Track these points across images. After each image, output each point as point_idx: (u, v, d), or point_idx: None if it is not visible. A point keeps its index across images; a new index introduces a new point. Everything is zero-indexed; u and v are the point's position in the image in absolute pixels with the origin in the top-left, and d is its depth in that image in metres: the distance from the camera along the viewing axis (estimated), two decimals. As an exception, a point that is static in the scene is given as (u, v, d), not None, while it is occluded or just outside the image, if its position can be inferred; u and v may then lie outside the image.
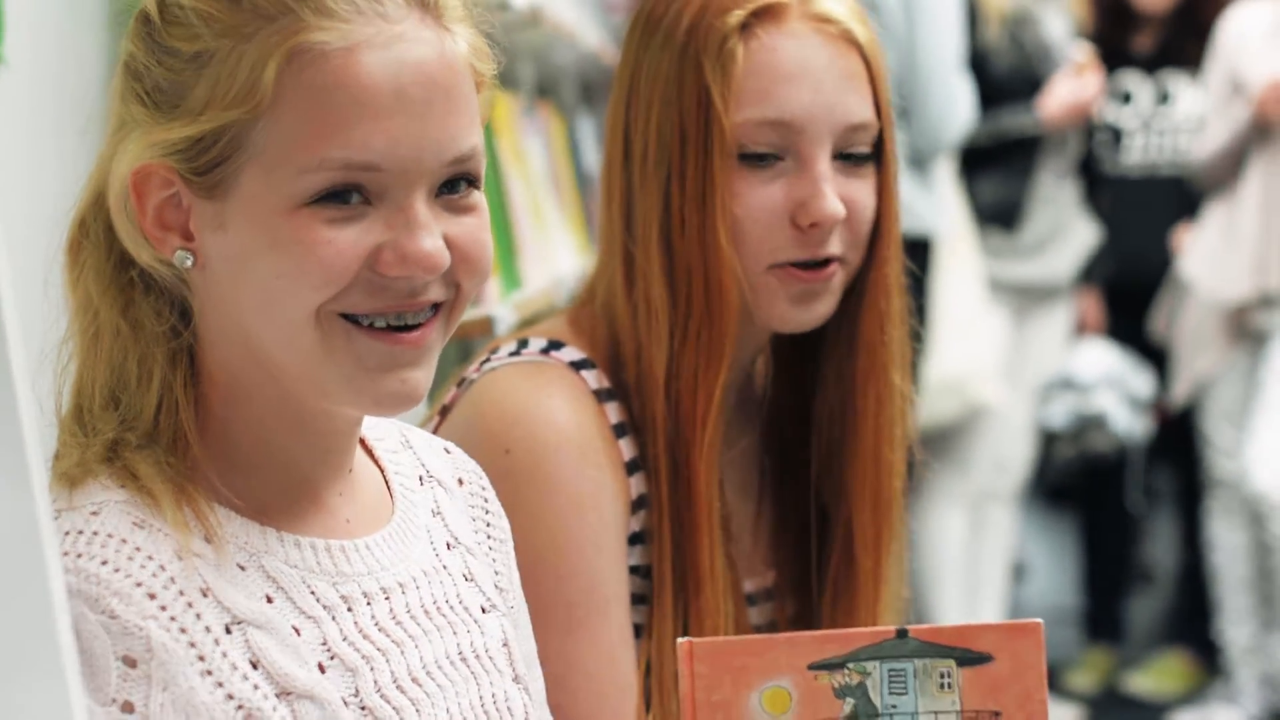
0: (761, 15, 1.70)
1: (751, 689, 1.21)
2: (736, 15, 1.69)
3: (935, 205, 4.33)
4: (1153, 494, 6.13)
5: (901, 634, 1.23)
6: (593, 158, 4.09)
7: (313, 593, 1.28)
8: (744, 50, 1.69)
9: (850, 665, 1.22)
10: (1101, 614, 5.62)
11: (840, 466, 1.80)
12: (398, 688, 1.31)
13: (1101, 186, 5.26)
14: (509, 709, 1.41)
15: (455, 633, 1.38)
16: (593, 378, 1.71)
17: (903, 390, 1.78)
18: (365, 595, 1.32)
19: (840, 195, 1.70)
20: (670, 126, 1.69)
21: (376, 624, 1.31)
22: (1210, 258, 5.02)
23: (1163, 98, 5.48)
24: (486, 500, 1.51)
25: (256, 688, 1.22)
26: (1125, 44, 5.50)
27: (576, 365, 1.72)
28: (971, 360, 4.81)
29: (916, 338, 1.82)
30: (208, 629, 1.21)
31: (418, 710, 1.31)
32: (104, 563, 1.19)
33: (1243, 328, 5.01)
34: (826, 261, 1.71)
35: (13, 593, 1.05)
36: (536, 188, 3.31)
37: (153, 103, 1.25)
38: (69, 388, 1.30)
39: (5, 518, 1.05)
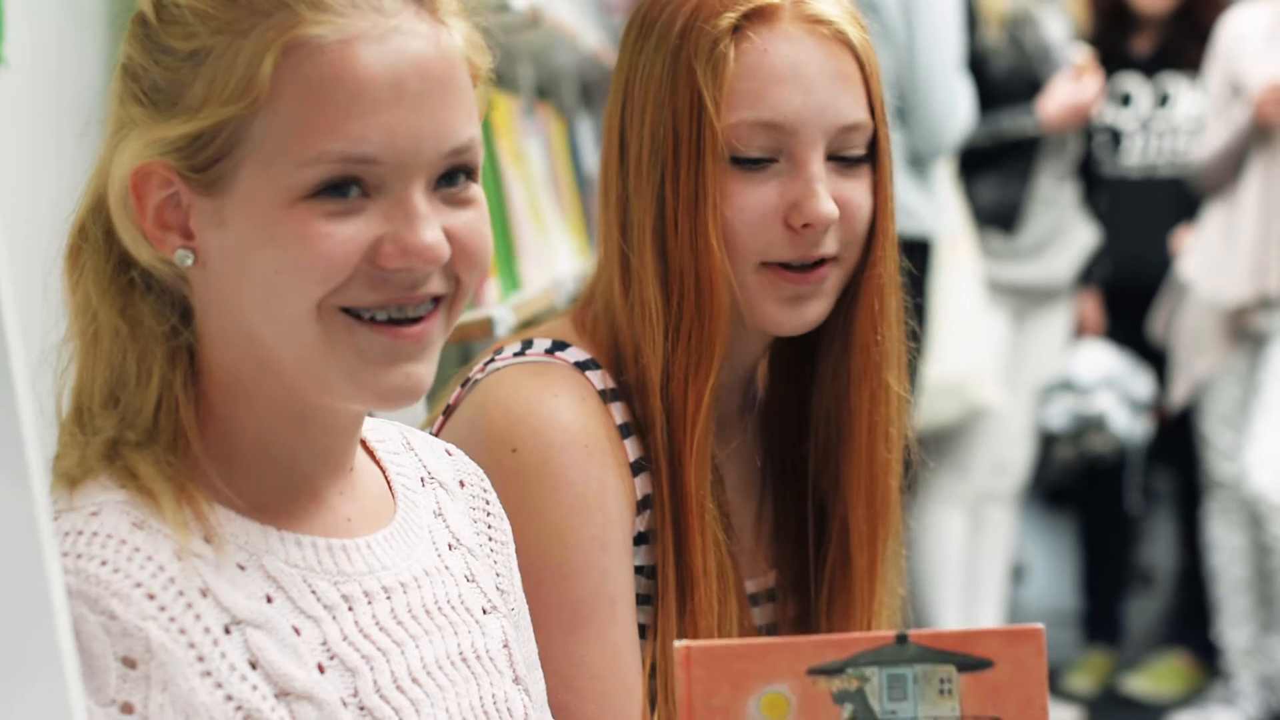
0: (753, 17, 1.69)
1: (750, 694, 1.21)
2: (728, 17, 1.69)
3: (935, 207, 4.33)
4: (1152, 495, 6.13)
5: (901, 639, 1.23)
6: (592, 159, 4.09)
7: (313, 592, 1.28)
8: (736, 52, 1.68)
9: (849, 670, 1.22)
10: (1100, 615, 5.62)
11: (836, 465, 1.80)
12: (397, 688, 1.31)
13: (1101, 188, 5.26)
14: (509, 710, 1.41)
15: (456, 633, 1.38)
16: (598, 378, 1.72)
17: (898, 390, 1.78)
18: (366, 594, 1.32)
19: (834, 195, 1.70)
20: (663, 129, 1.69)
21: (377, 623, 1.32)
22: (1209, 260, 5.02)
23: (1162, 100, 5.48)
24: (488, 502, 1.51)
25: (255, 688, 1.22)
26: (1124, 46, 5.50)
27: (581, 365, 1.72)
28: (971, 362, 4.81)
29: (914, 338, 1.82)
30: (207, 629, 1.21)
31: (417, 711, 1.32)
32: (103, 563, 1.19)
33: (1242, 330, 5.01)
34: (819, 264, 1.71)
35: (12, 593, 1.05)
36: (536, 189, 3.30)
37: (150, 102, 1.26)
38: (68, 390, 1.30)
39: (5, 518, 1.05)
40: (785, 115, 1.68)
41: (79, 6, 1.84)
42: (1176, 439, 5.47)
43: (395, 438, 1.47)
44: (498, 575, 1.47)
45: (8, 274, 1.07)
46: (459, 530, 1.45)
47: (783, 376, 1.86)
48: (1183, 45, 5.42)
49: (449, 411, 1.74)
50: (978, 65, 4.79)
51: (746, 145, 1.69)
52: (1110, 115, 5.42)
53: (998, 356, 4.98)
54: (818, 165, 1.69)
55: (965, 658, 1.24)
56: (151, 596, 1.19)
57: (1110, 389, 5.27)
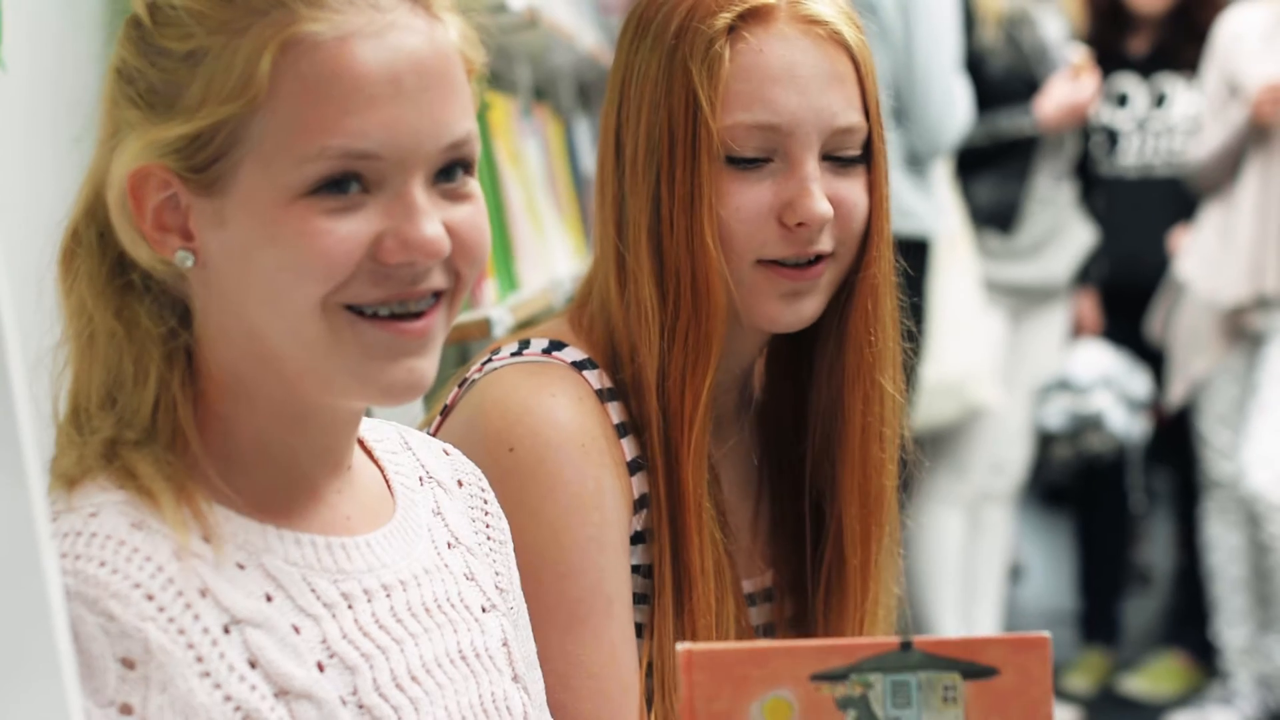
0: (749, 17, 1.69)
1: (752, 699, 1.21)
2: (724, 18, 1.69)
3: (933, 207, 4.33)
4: (1149, 495, 6.13)
5: (906, 645, 1.22)
6: (590, 160, 4.08)
7: (313, 590, 1.28)
8: (731, 53, 1.69)
9: (853, 676, 1.21)
10: (1098, 615, 5.62)
11: (831, 465, 1.80)
12: (396, 686, 1.31)
13: (1098, 188, 5.25)
14: (508, 708, 1.41)
15: (455, 631, 1.39)
16: (594, 378, 1.72)
17: (892, 391, 1.78)
18: (366, 592, 1.32)
19: (829, 194, 1.70)
20: (659, 129, 1.69)
21: (377, 621, 1.32)
22: (1207, 260, 5.01)
23: (1158, 100, 5.48)
24: (486, 502, 1.51)
25: (254, 688, 1.22)
26: (1120, 46, 5.50)
27: (578, 365, 1.72)
28: (968, 362, 4.81)
29: (910, 338, 1.82)
30: (206, 630, 1.22)
31: (416, 709, 1.32)
32: (102, 564, 1.19)
33: (1239, 329, 5.01)
34: (814, 260, 1.71)
35: (10, 594, 1.05)
36: (533, 190, 3.30)
37: (147, 104, 1.26)
38: (64, 392, 1.30)
39: (2, 519, 1.05)
40: (781, 116, 1.68)
41: (76, 9, 1.84)
42: (1174, 439, 5.47)
43: (393, 437, 1.47)
44: (496, 574, 1.48)
45: (5, 277, 1.06)
46: (458, 529, 1.46)
47: (779, 376, 1.86)
48: (1179, 45, 5.42)
49: (446, 412, 1.74)
50: (975, 65, 4.79)
51: (742, 146, 1.69)
52: (1106, 115, 5.42)
53: (995, 356, 4.98)
54: (812, 165, 1.69)
55: (970, 665, 1.23)
56: (150, 597, 1.20)
57: (1108, 388, 5.27)
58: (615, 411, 1.72)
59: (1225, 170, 4.98)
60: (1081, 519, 5.77)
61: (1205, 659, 5.31)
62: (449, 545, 1.44)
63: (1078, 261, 5.12)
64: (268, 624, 1.25)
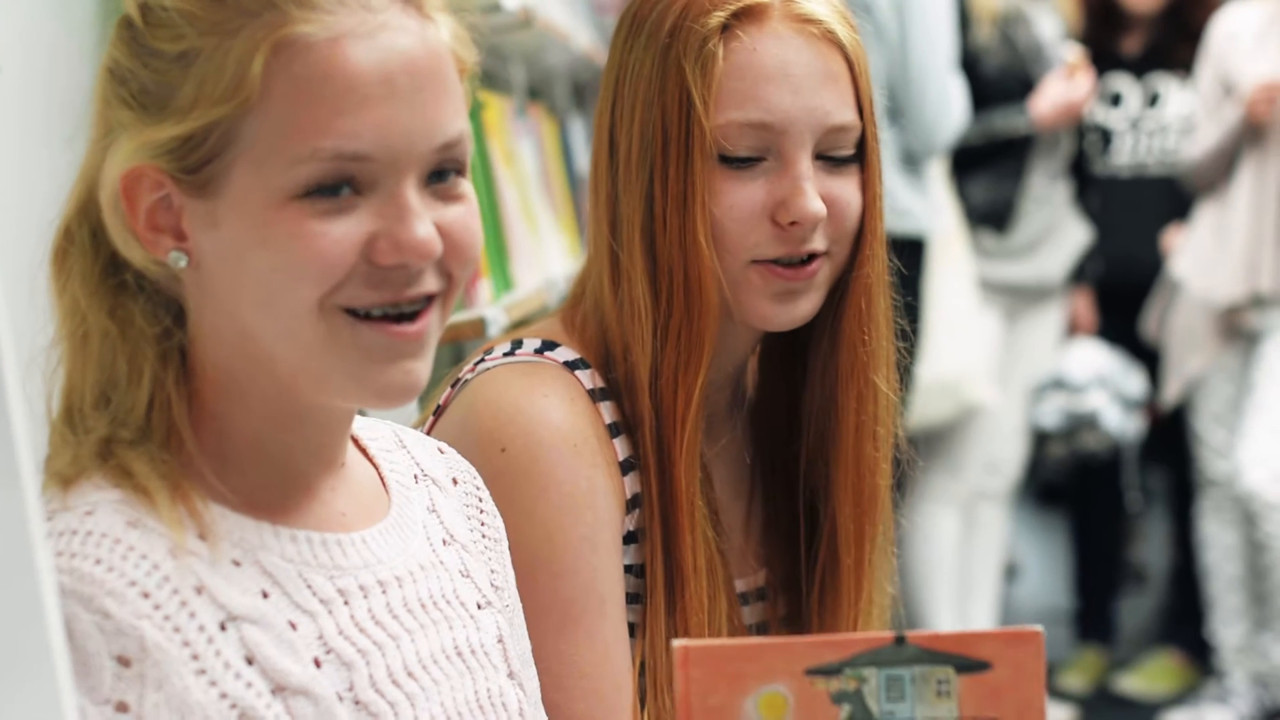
0: (742, 16, 1.69)
1: (748, 694, 1.21)
2: (717, 16, 1.69)
3: (929, 206, 4.33)
4: (1144, 494, 6.13)
5: (899, 640, 1.22)
6: (585, 159, 4.09)
7: (309, 586, 1.29)
8: (725, 51, 1.69)
9: (847, 671, 1.22)
10: (1093, 614, 5.62)
11: (825, 464, 1.80)
12: (393, 682, 1.31)
13: (1092, 187, 5.26)
14: (503, 705, 1.41)
15: (451, 628, 1.39)
16: (587, 377, 1.72)
17: (886, 390, 1.78)
18: (362, 589, 1.32)
19: (822, 193, 1.70)
20: (652, 128, 1.69)
21: (373, 618, 1.32)
22: (1201, 259, 5.02)
23: (1151, 99, 5.49)
24: (481, 499, 1.51)
25: (250, 685, 1.23)
26: (1114, 46, 5.50)
27: (571, 365, 1.72)
28: (964, 361, 4.81)
29: (904, 337, 1.82)
30: (201, 627, 1.22)
31: (412, 705, 1.32)
32: (98, 562, 1.20)
33: (1234, 328, 5.01)
34: (809, 259, 1.71)
35: (4, 593, 1.05)
36: (528, 189, 3.30)
37: (139, 105, 1.26)
38: (58, 391, 1.30)
39: (-2, 518, 1.05)
40: (774, 115, 1.68)
41: (70, 9, 1.84)
42: (1169, 437, 5.48)
43: (388, 435, 1.47)
44: (492, 571, 1.48)
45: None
46: (453, 526, 1.46)
47: (773, 375, 1.86)
48: (1172, 45, 5.43)
49: (439, 412, 1.74)
50: (970, 64, 4.79)
51: (735, 145, 1.69)
52: (1100, 115, 5.42)
53: (990, 355, 4.99)
54: (805, 164, 1.69)
55: (963, 659, 1.23)
56: (146, 595, 1.20)
57: (1102, 387, 5.27)
58: (607, 411, 1.72)
59: (1220, 169, 4.98)
60: (1077, 518, 5.77)
61: (1200, 657, 5.32)
62: (444, 542, 1.44)
63: (1073, 260, 5.12)
64: (264, 620, 1.25)
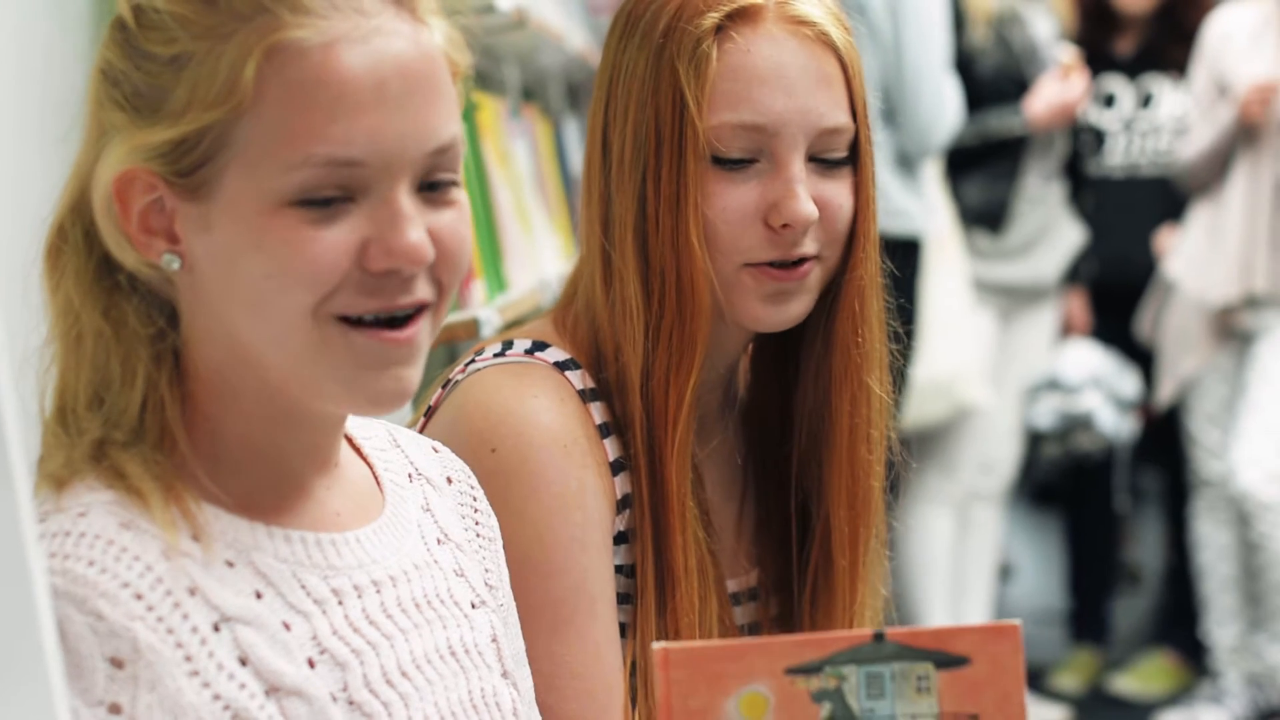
0: (736, 17, 1.69)
1: (728, 694, 1.21)
2: (711, 18, 1.69)
3: (924, 207, 4.33)
4: (1139, 494, 6.13)
5: (878, 637, 1.23)
6: (579, 160, 4.08)
7: (303, 586, 1.29)
8: (718, 53, 1.68)
9: (827, 669, 1.22)
10: (1087, 614, 5.62)
11: (818, 465, 1.80)
12: (386, 682, 1.31)
13: (1087, 188, 5.26)
14: (497, 704, 1.41)
15: (445, 627, 1.39)
16: (577, 378, 1.72)
17: (879, 392, 1.78)
18: (356, 588, 1.32)
19: (815, 195, 1.70)
20: (646, 128, 1.69)
21: (367, 617, 1.32)
22: (1196, 259, 5.02)
23: (1145, 100, 5.49)
24: (475, 499, 1.51)
25: (243, 686, 1.23)
26: (1107, 47, 5.51)
27: (561, 365, 1.72)
28: (958, 361, 4.81)
29: (898, 339, 1.83)
30: (195, 629, 1.22)
31: (406, 705, 1.32)
32: (90, 564, 1.20)
33: (1228, 329, 5.02)
34: (801, 260, 1.72)
35: (-3, 594, 1.05)
36: (522, 190, 3.30)
37: (133, 108, 1.25)
38: (51, 391, 1.30)
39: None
40: (767, 117, 1.68)
41: (63, 12, 1.84)
42: (1164, 438, 5.48)
43: (382, 435, 1.47)
44: (486, 570, 1.48)
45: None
46: (447, 525, 1.46)
47: (765, 376, 1.86)
48: (1165, 46, 5.43)
49: (430, 413, 1.74)
50: (965, 65, 4.79)
51: (728, 146, 1.69)
52: (1094, 115, 5.43)
53: (985, 356, 4.99)
54: (798, 166, 1.70)
55: (942, 655, 1.24)
56: (139, 596, 1.20)
57: (1097, 388, 5.27)
58: (598, 412, 1.72)
59: (1214, 170, 4.99)
60: (1071, 518, 5.77)
61: (1195, 658, 5.31)
62: (438, 541, 1.44)
63: (1067, 261, 5.12)
64: (258, 621, 1.25)
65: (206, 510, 1.27)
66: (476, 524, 1.50)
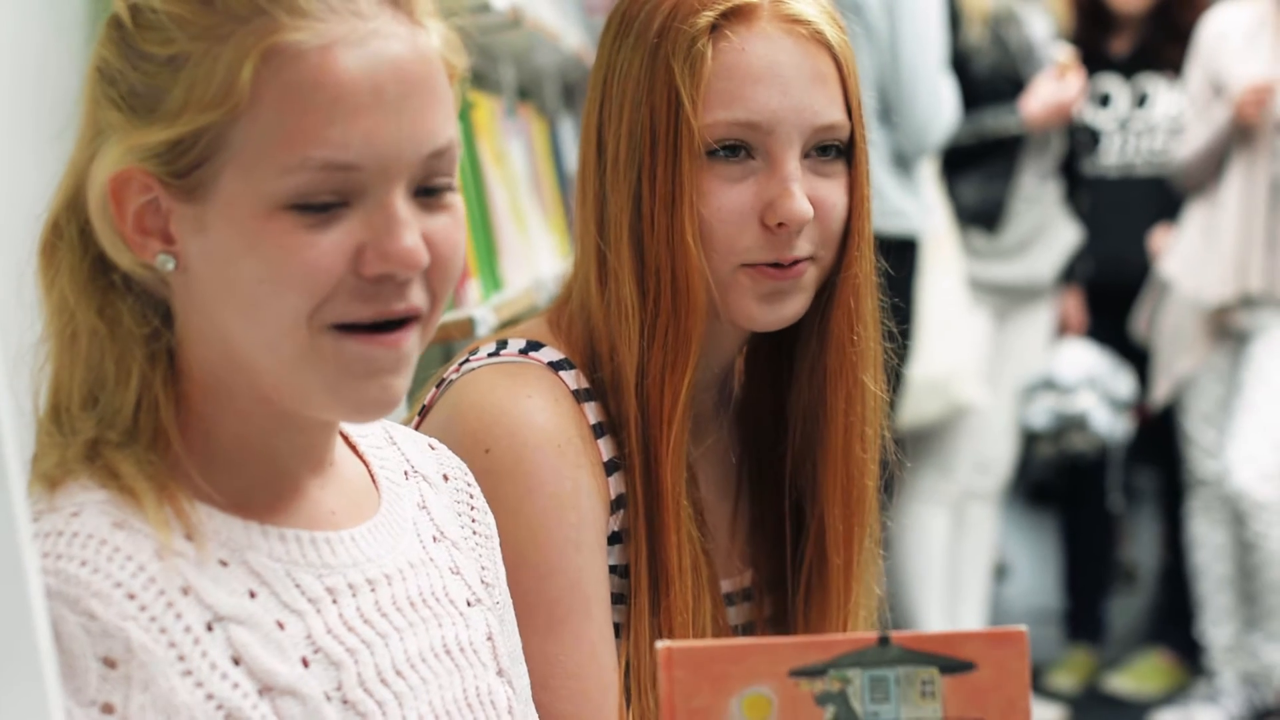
0: (731, 16, 1.70)
1: (731, 695, 1.21)
2: (706, 16, 1.69)
3: (921, 206, 4.33)
4: (1134, 494, 6.13)
5: (884, 641, 1.22)
6: (574, 159, 4.08)
7: (297, 585, 1.29)
8: (713, 51, 1.69)
9: (831, 672, 1.22)
10: (1083, 614, 5.62)
11: (812, 464, 1.80)
12: (381, 681, 1.31)
13: (1082, 187, 5.26)
14: (492, 703, 1.41)
15: (440, 625, 1.39)
16: (571, 378, 1.72)
17: (874, 390, 1.78)
18: (350, 587, 1.32)
19: (810, 195, 1.70)
20: (641, 127, 1.70)
21: (361, 616, 1.32)
22: (1191, 259, 5.02)
23: (1140, 100, 5.49)
24: (472, 496, 1.51)
25: (237, 686, 1.22)
26: (1103, 46, 5.51)
27: (555, 365, 1.72)
28: (953, 361, 4.82)
29: (892, 338, 1.82)
30: (188, 628, 1.21)
31: (400, 704, 1.32)
32: (83, 564, 1.19)
33: (1223, 328, 5.02)
34: (796, 260, 1.71)
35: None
36: (518, 190, 3.30)
37: (129, 107, 1.25)
38: (45, 389, 1.30)
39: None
40: (762, 115, 1.69)
41: (58, 9, 1.83)
42: (1159, 437, 5.48)
43: (377, 432, 1.47)
44: (482, 568, 1.48)
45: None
46: (443, 523, 1.46)
47: (760, 375, 1.86)
48: (1160, 45, 5.44)
49: (424, 412, 1.75)
50: (961, 64, 4.79)
51: (722, 144, 1.69)
52: (1089, 115, 5.43)
53: (980, 355, 4.99)
54: (793, 165, 1.70)
55: (947, 660, 1.23)
56: (132, 596, 1.19)
57: (1092, 388, 5.28)
58: (592, 412, 1.72)
59: (1209, 169, 4.99)
60: (1066, 518, 5.77)
61: (1190, 657, 5.32)
62: (434, 539, 1.44)
63: (1063, 260, 5.12)
64: (251, 620, 1.25)
65: (200, 510, 1.27)
66: (473, 521, 1.50)
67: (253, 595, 1.26)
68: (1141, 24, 5.48)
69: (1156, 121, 5.46)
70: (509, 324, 2.42)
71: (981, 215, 4.97)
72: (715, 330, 1.75)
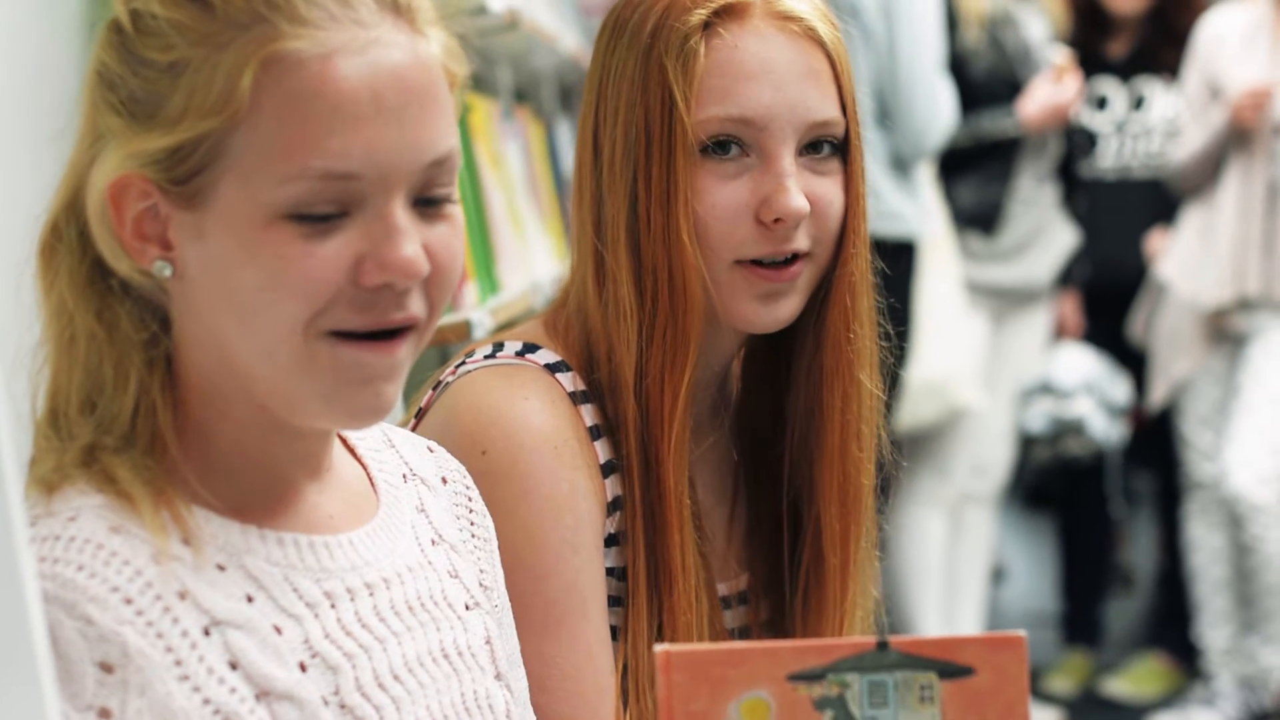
0: (724, 14, 1.70)
1: (730, 699, 1.21)
2: (699, 14, 1.69)
3: (919, 209, 4.33)
4: (1131, 497, 6.13)
5: (882, 646, 1.22)
6: (571, 162, 4.07)
7: (295, 590, 1.28)
8: (706, 49, 1.69)
9: (830, 677, 1.22)
10: (1080, 617, 5.62)
11: (809, 464, 1.80)
12: (379, 685, 1.31)
13: (1079, 190, 5.27)
14: (490, 707, 1.41)
15: (438, 629, 1.39)
16: (568, 380, 1.72)
17: (871, 388, 1.78)
18: (349, 591, 1.32)
19: (805, 191, 1.70)
20: (635, 127, 1.70)
21: (359, 620, 1.32)
22: (1188, 262, 5.03)
23: (1137, 102, 5.50)
24: (470, 499, 1.51)
25: (234, 691, 1.22)
26: (1100, 49, 5.51)
27: (552, 368, 1.72)
28: (951, 363, 4.82)
29: (888, 338, 1.83)
30: (185, 633, 1.21)
31: (398, 708, 1.32)
32: (80, 568, 1.19)
33: (1221, 331, 5.02)
34: (791, 260, 1.72)
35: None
36: (514, 192, 3.30)
37: (129, 113, 1.25)
38: (43, 392, 1.30)
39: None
40: (755, 111, 1.69)
41: (56, 11, 1.83)
42: (1156, 440, 5.48)
43: (376, 435, 1.47)
44: (481, 571, 1.48)
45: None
46: (442, 526, 1.46)
47: (757, 377, 1.86)
48: (1157, 48, 5.44)
49: (421, 414, 1.75)
50: (958, 66, 4.79)
51: (716, 140, 1.69)
52: (1086, 118, 5.43)
53: (977, 358, 4.99)
54: (788, 161, 1.70)
55: (946, 665, 1.23)
56: (129, 601, 1.19)
57: (1089, 393, 5.28)
58: (589, 414, 1.72)
59: (1206, 172, 4.99)
60: (1063, 521, 5.78)
61: (1187, 660, 5.32)
62: (433, 542, 1.44)
63: (1060, 263, 5.12)
64: (249, 625, 1.25)
65: (197, 514, 1.26)
66: (471, 524, 1.50)
67: (250, 600, 1.26)
68: (1139, 26, 5.48)
69: (1153, 124, 5.47)
70: (506, 327, 2.42)
71: (978, 218, 4.97)
72: (713, 330, 1.75)
